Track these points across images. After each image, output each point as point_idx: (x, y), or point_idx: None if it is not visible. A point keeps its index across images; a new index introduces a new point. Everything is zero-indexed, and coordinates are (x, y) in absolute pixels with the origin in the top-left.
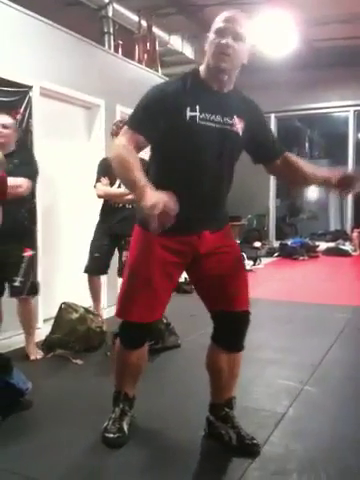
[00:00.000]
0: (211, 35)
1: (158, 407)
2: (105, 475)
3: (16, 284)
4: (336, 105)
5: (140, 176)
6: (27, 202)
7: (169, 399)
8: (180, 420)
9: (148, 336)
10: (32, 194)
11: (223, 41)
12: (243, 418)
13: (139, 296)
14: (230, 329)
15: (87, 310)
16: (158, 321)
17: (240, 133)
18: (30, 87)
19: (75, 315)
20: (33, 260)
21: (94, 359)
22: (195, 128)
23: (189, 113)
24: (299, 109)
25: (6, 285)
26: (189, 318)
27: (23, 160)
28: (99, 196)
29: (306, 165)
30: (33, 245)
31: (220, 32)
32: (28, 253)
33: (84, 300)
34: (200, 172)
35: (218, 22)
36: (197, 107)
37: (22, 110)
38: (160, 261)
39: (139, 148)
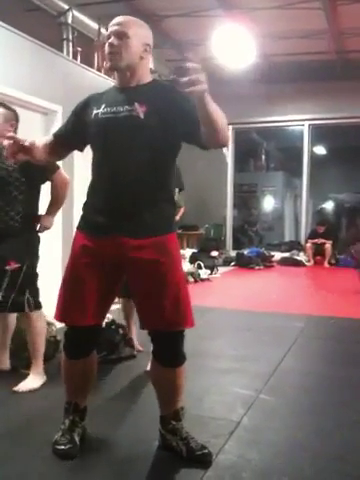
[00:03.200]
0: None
1: (111, 419)
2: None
3: None
4: (292, 119)
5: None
6: (18, 198)
7: (123, 411)
8: (134, 432)
9: (90, 345)
10: (32, 188)
11: (109, 42)
12: (197, 427)
13: (68, 298)
14: (162, 347)
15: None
16: (111, 332)
17: (141, 116)
18: None
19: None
20: (20, 274)
21: (47, 369)
22: (98, 122)
23: (94, 111)
24: (256, 122)
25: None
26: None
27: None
28: None
29: None
30: (25, 254)
31: (108, 36)
32: (11, 266)
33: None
34: (109, 167)
35: (108, 28)
36: (102, 105)
37: None
38: (82, 262)
39: (59, 154)
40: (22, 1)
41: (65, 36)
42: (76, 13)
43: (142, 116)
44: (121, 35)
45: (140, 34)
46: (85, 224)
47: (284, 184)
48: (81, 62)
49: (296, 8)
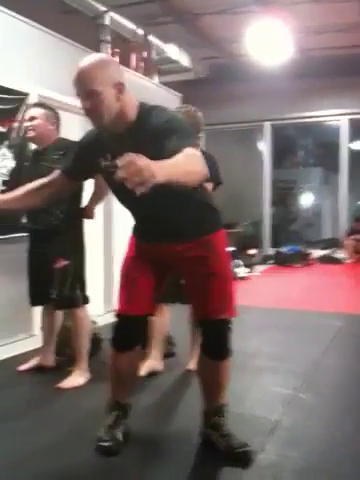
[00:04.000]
0: None
1: (153, 415)
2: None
3: (53, 297)
4: (330, 114)
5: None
6: (62, 202)
7: (164, 407)
8: (176, 428)
9: (137, 337)
10: (72, 193)
11: (83, 106)
12: (237, 425)
13: (121, 290)
14: (210, 337)
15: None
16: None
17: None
18: (27, 94)
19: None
20: (70, 270)
21: (90, 366)
22: (108, 175)
23: (103, 162)
24: (293, 117)
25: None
26: (187, 326)
27: (66, 152)
28: None
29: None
30: (71, 252)
31: (77, 96)
32: (59, 264)
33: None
34: (135, 209)
35: (73, 85)
36: (108, 155)
37: (19, 117)
38: (136, 258)
39: (59, 185)
40: (60, 4)
41: (102, 38)
42: (113, 14)
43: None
44: (91, 94)
45: (107, 79)
46: (137, 235)
47: (322, 180)
48: (119, 63)
49: (332, 1)
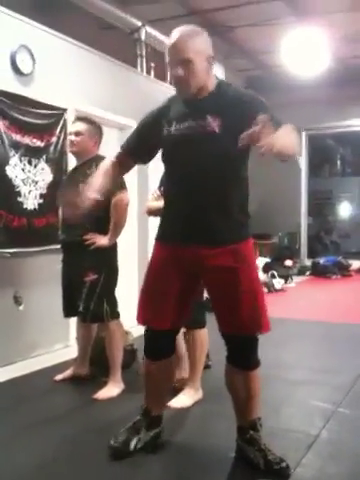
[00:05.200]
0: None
1: (188, 428)
2: None
3: (80, 309)
4: None
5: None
6: (93, 218)
7: (199, 421)
8: (210, 442)
9: (168, 348)
10: (107, 205)
11: (174, 74)
12: (274, 439)
13: (149, 303)
14: (236, 350)
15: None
16: None
17: (217, 130)
18: (65, 109)
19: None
20: (98, 285)
21: (124, 377)
22: (172, 140)
23: (166, 128)
24: (330, 126)
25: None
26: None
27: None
28: (147, 213)
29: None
30: (101, 266)
31: (170, 64)
32: (89, 278)
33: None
34: (185, 182)
35: (167, 53)
36: (173, 122)
37: (57, 132)
38: (161, 270)
39: (126, 166)
40: (97, 20)
41: (139, 52)
42: (149, 29)
43: (217, 130)
44: (185, 63)
45: (201, 51)
46: (163, 234)
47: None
48: (155, 77)
49: None
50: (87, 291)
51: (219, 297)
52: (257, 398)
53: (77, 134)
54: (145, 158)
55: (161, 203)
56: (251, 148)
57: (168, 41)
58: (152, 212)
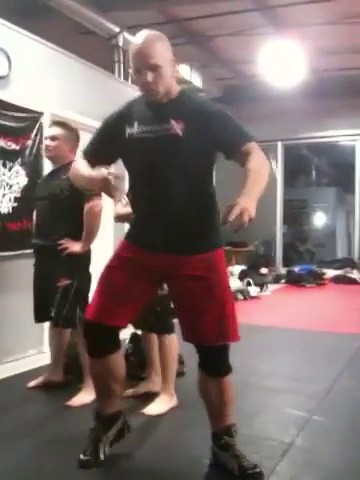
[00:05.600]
0: (131, 66)
1: (160, 435)
2: None
3: (52, 314)
4: (343, 134)
5: (88, 171)
6: (68, 217)
7: (172, 428)
8: (184, 449)
9: (113, 345)
10: (81, 209)
11: (144, 79)
12: (249, 447)
13: (96, 297)
14: (207, 359)
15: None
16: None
17: (180, 133)
18: (41, 113)
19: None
20: (71, 290)
21: None
22: (134, 143)
23: (128, 130)
24: (306, 137)
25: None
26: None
27: None
28: (114, 220)
29: (247, 175)
30: (74, 272)
31: (137, 70)
32: (62, 283)
33: None
34: (150, 187)
35: (132, 57)
36: (135, 123)
37: (33, 135)
38: (123, 268)
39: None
40: (75, 25)
41: (116, 58)
42: (127, 35)
43: (181, 133)
44: (153, 68)
45: (167, 55)
46: (132, 236)
47: (336, 200)
48: (132, 83)
49: (347, 23)
50: (60, 296)
51: (186, 306)
52: (231, 404)
53: (53, 139)
54: (106, 162)
55: (129, 209)
56: (216, 156)
57: (132, 45)
58: (119, 218)
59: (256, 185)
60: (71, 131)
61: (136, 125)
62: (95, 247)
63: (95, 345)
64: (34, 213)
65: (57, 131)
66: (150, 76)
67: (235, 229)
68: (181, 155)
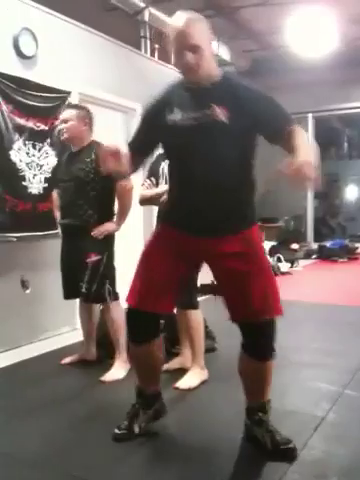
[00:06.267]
0: (171, 49)
1: (194, 410)
2: (135, 467)
3: (82, 290)
4: None
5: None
6: (95, 198)
7: (204, 402)
8: (218, 423)
9: (155, 331)
10: (105, 189)
11: (185, 61)
12: (281, 421)
13: (138, 282)
14: (253, 338)
15: None
16: None
17: (225, 120)
18: (69, 93)
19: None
20: (100, 266)
21: None
22: (176, 130)
23: (169, 117)
24: (337, 109)
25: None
26: (225, 321)
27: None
28: (139, 203)
29: (298, 148)
30: (103, 248)
31: (178, 52)
32: (91, 259)
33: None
34: (192, 173)
35: (171, 39)
36: (175, 109)
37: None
38: (162, 252)
39: (136, 162)
40: (101, 2)
41: (142, 34)
42: (152, 10)
43: (226, 121)
44: (194, 49)
45: (206, 35)
46: (170, 219)
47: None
48: (159, 59)
49: None
50: (90, 272)
51: (231, 283)
52: (269, 384)
53: (64, 121)
54: (151, 150)
55: (154, 191)
56: (257, 138)
57: (172, 27)
58: (146, 201)
59: (310, 151)
60: (83, 110)
61: (177, 111)
62: (126, 227)
63: (137, 332)
64: (54, 194)
65: (67, 114)
66: (190, 57)
67: (297, 185)
68: (225, 141)
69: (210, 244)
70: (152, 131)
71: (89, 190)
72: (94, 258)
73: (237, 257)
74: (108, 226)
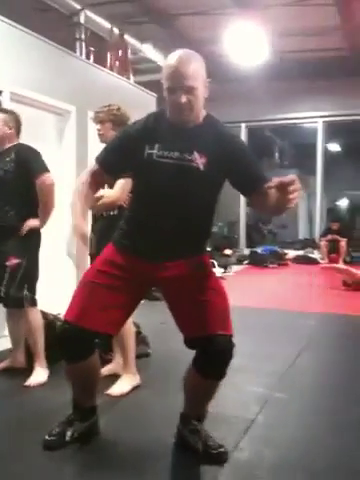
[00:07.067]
0: (164, 85)
1: (126, 416)
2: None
3: (1, 295)
4: (305, 116)
5: (80, 209)
6: (15, 197)
7: (138, 408)
8: (150, 428)
9: (91, 350)
10: (27, 189)
11: (178, 101)
12: (212, 424)
13: (88, 302)
14: (212, 356)
15: (56, 317)
16: None
17: (201, 168)
18: (0, 92)
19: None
20: (21, 270)
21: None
22: (153, 165)
23: (147, 151)
24: (270, 119)
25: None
26: (159, 326)
27: (22, 158)
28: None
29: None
30: (24, 251)
31: (171, 90)
32: (11, 262)
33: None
34: (161, 208)
35: (166, 76)
36: (156, 145)
37: None
38: (111, 273)
39: (100, 181)
40: (35, 1)
41: (78, 36)
42: (88, 13)
43: (202, 168)
44: (190, 90)
45: (203, 78)
46: (126, 246)
47: (298, 181)
48: (94, 62)
49: (309, 5)
50: (8, 276)
51: (187, 302)
52: (211, 399)
53: None
54: (118, 174)
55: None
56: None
57: (169, 64)
58: (103, 207)
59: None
60: (8, 114)
61: (157, 147)
62: (53, 230)
63: (72, 350)
64: None
65: None
66: (184, 98)
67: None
68: (198, 185)
69: (165, 267)
70: (128, 158)
71: (9, 190)
72: (14, 261)
73: (193, 277)
74: (30, 222)
